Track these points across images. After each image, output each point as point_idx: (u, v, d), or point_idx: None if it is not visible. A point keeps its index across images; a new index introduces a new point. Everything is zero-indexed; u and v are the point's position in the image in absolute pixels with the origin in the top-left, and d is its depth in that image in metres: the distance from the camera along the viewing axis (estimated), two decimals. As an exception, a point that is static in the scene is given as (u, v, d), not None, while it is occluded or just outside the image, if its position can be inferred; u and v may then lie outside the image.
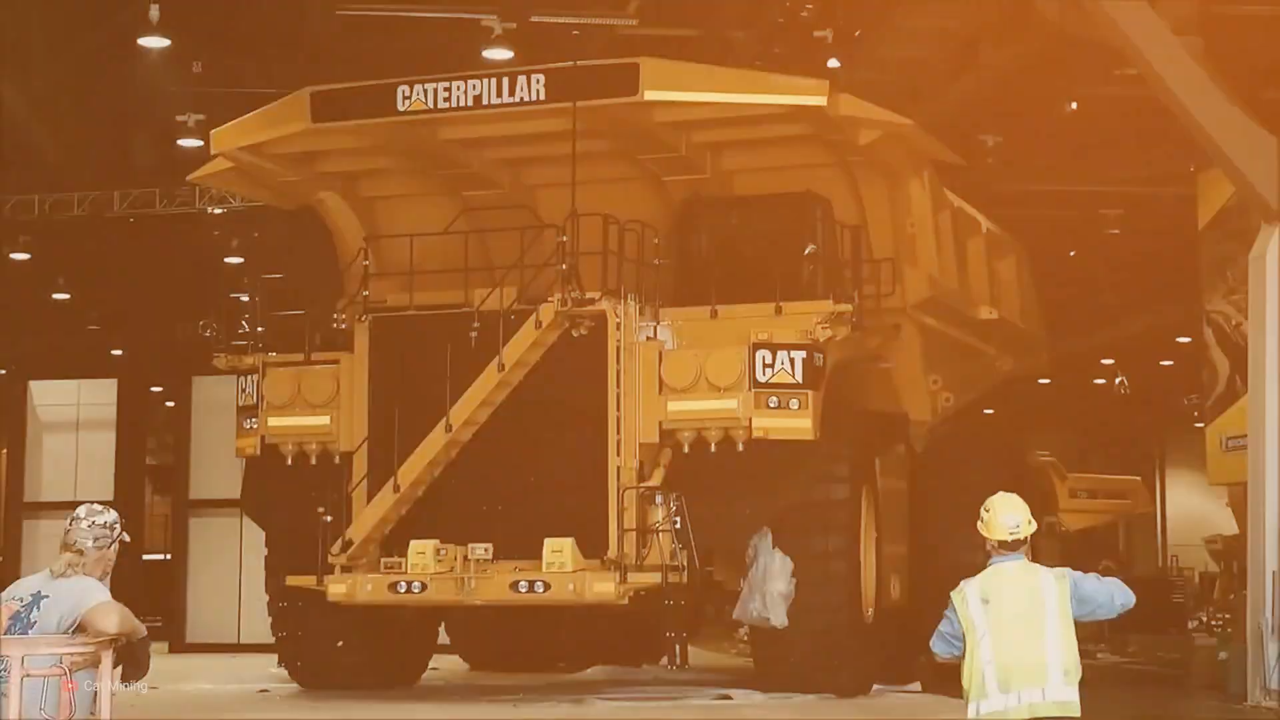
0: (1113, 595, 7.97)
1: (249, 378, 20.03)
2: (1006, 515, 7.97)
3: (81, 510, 7.91)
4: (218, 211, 30.48)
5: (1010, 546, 7.95)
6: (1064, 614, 7.80)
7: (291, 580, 19.37)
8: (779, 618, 18.28)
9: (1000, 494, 8.11)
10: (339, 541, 18.78)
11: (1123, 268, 37.30)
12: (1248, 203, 20.10)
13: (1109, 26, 19.30)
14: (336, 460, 19.46)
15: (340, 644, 19.85)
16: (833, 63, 23.56)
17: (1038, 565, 7.97)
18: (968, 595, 7.89)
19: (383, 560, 18.77)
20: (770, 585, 18.29)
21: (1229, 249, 22.64)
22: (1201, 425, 26.20)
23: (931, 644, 8.11)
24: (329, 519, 18.76)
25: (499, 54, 24.49)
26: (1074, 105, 28.51)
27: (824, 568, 18.52)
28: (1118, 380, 47.00)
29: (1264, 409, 19.15)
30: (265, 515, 20.64)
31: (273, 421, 19.78)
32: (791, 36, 23.66)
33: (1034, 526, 8.03)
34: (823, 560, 18.53)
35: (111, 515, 7.91)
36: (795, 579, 18.38)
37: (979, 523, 8.04)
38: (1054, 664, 7.73)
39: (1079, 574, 7.97)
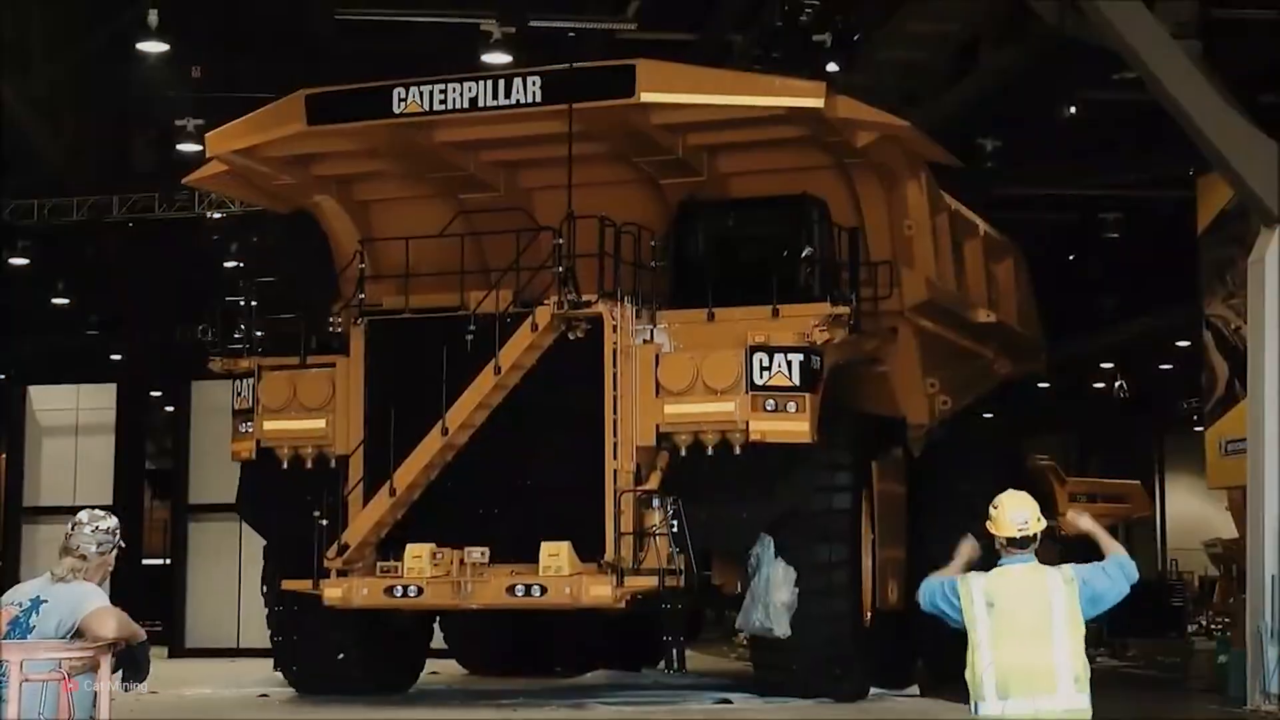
0: (1122, 591, 7.93)
1: (244, 381, 19.98)
2: (1015, 511, 7.92)
3: (84, 515, 8.01)
4: (217, 216, 30.50)
5: (1019, 544, 7.88)
6: (1073, 619, 7.74)
7: (287, 584, 19.32)
8: (782, 628, 18.20)
9: (1009, 491, 8.07)
10: (335, 545, 18.70)
11: (1122, 271, 37.32)
12: (1247, 206, 20.06)
13: (1108, 30, 19.26)
14: (332, 464, 19.39)
15: (336, 648, 19.80)
16: (832, 66, 23.56)
17: (1045, 567, 7.89)
18: (973, 593, 7.83)
19: (379, 564, 18.68)
20: (773, 595, 18.21)
21: (1228, 253, 22.59)
22: (1201, 429, 26.17)
23: (921, 594, 8.04)
24: (325, 523, 18.68)
25: (497, 58, 24.52)
26: (1073, 109, 28.57)
27: (827, 577, 18.44)
28: (1117, 384, 47.01)
29: (1263, 413, 19.11)
30: (261, 519, 20.58)
31: (268, 425, 19.71)
32: (790, 40, 23.64)
33: (1043, 524, 7.96)
34: (825, 570, 18.46)
35: (113, 521, 8.01)
36: (798, 589, 18.29)
37: (987, 520, 7.98)
38: (1064, 671, 7.67)
39: (1087, 571, 7.89)
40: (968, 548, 8.21)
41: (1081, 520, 8.23)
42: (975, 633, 7.78)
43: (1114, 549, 8.06)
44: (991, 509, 7.98)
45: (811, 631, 18.28)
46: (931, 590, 8.02)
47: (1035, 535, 7.93)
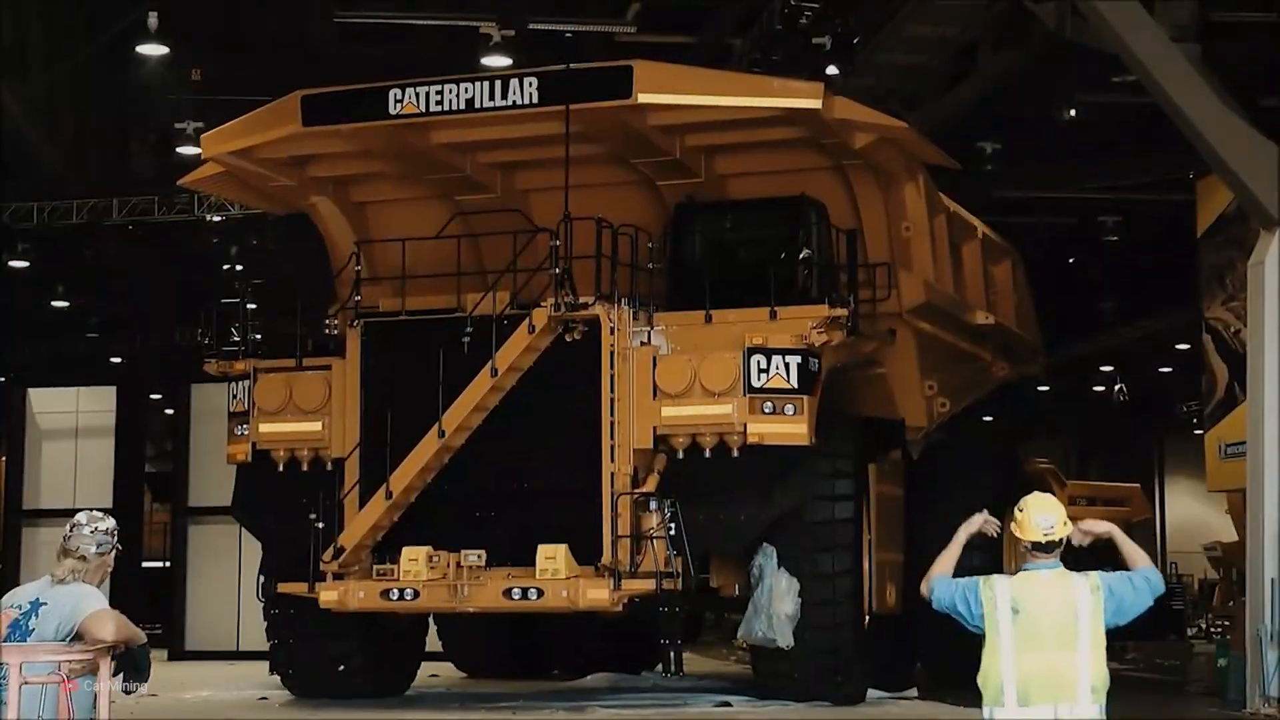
0: (1147, 604, 7.88)
1: (240, 383, 19.93)
2: (1041, 515, 7.78)
3: (82, 517, 8.04)
4: (216, 218, 30.48)
5: (1045, 549, 7.75)
6: (1096, 629, 7.66)
7: (283, 587, 19.25)
8: (785, 639, 18.15)
9: (1035, 494, 7.95)
10: (331, 548, 18.65)
11: (1121, 274, 37.30)
12: (1247, 209, 20.03)
13: (1107, 33, 19.23)
14: (328, 466, 19.33)
15: (332, 652, 19.75)
16: (831, 69, 23.54)
17: (1072, 574, 7.77)
18: (998, 597, 7.71)
19: (375, 567, 18.63)
20: (777, 606, 18.15)
21: (1228, 255, 22.59)
22: (1200, 432, 26.14)
23: (933, 591, 7.90)
24: (321, 525, 18.62)
25: (497, 61, 24.52)
26: (1072, 111, 28.53)
27: (830, 587, 18.40)
28: (1117, 387, 46.99)
29: (1263, 416, 19.07)
30: (257, 522, 20.54)
31: (264, 428, 19.63)
32: (790, 43, 23.63)
33: (1069, 528, 7.83)
34: (829, 579, 18.41)
35: (111, 522, 8.05)
36: (801, 599, 18.24)
37: (1012, 524, 7.89)
38: (1084, 681, 7.60)
39: (1115, 581, 7.78)
40: (973, 525, 8.11)
41: (1097, 527, 8.07)
42: (996, 638, 7.66)
43: (1140, 560, 7.96)
44: (1016, 512, 7.84)
45: (814, 640, 18.25)
46: (949, 592, 7.87)
47: (1061, 540, 7.79)
